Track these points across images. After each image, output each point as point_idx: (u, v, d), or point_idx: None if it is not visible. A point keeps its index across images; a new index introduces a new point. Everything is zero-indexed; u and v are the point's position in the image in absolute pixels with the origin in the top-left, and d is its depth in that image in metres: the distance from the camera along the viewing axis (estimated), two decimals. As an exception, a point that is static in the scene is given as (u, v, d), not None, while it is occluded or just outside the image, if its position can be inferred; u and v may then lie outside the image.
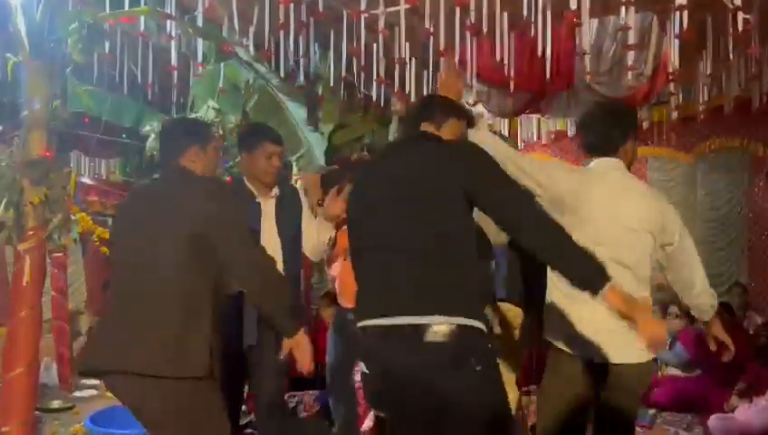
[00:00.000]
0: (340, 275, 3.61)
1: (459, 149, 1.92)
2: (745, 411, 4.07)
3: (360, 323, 1.82)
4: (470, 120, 2.16)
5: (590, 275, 1.73)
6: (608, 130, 2.34)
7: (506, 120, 5.90)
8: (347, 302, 3.45)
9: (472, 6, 3.41)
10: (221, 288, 2.12)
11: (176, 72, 4.00)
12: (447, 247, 1.77)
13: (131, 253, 2.10)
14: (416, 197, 1.80)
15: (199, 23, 3.50)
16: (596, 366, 2.21)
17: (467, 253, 1.81)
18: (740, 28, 3.48)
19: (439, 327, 1.65)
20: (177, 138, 2.29)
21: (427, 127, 2.00)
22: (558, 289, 2.26)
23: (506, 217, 1.78)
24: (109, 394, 2.10)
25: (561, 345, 2.29)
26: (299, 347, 2.12)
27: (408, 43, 3.84)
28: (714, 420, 4.08)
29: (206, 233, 2.01)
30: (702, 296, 2.41)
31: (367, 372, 1.80)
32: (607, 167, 2.32)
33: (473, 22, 3.63)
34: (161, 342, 1.95)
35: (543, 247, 1.75)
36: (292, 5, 3.48)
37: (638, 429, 2.36)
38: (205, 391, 2.01)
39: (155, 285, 2.01)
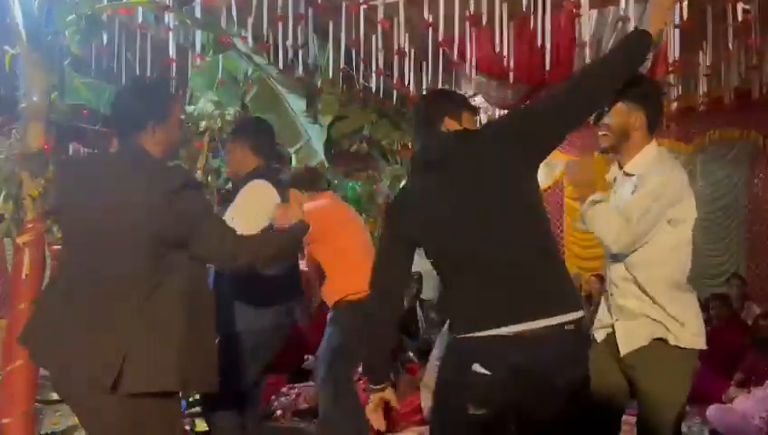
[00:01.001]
0: (328, 265, 3.57)
1: (493, 127, 2.02)
2: (744, 402, 4.09)
3: (481, 334, 1.79)
4: (475, 111, 2.12)
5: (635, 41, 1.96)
6: None
7: (506, 112, 5.89)
8: (343, 291, 3.41)
9: (471, -3, 3.41)
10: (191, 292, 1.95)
11: (174, 64, 3.99)
12: (541, 240, 1.86)
13: (85, 236, 1.93)
14: (492, 197, 1.83)
15: (197, 14, 3.49)
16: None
17: (553, 241, 1.92)
18: (740, 18, 3.47)
19: (569, 325, 1.77)
20: (133, 112, 2.03)
21: (450, 123, 1.97)
22: None
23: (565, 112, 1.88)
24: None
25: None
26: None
27: (407, 35, 3.83)
28: (712, 411, 4.11)
29: (176, 233, 1.87)
30: None
31: (488, 373, 1.78)
32: None
33: (472, 13, 3.62)
34: (111, 355, 1.79)
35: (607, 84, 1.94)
36: (290, -4, 3.47)
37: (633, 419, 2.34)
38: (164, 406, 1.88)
39: (109, 283, 1.86)
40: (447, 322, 2.11)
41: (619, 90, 2.05)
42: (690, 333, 2.18)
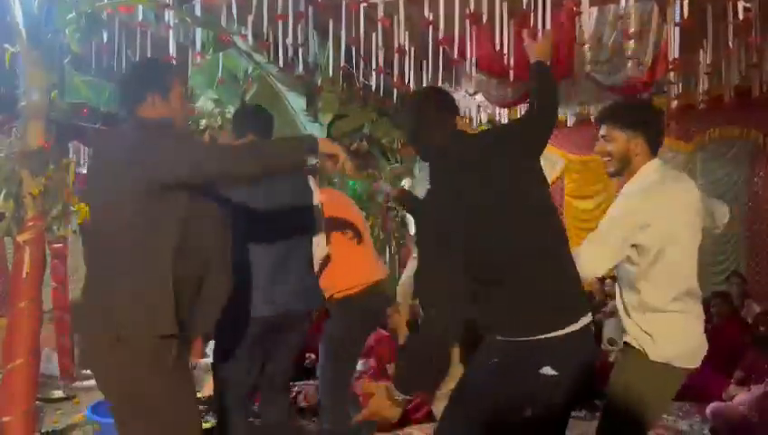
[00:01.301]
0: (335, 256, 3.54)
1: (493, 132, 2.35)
2: (744, 399, 4.09)
3: (538, 337, 1.86)
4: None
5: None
6: None
7: (506, 110, 5.89)
8: (334, 287, 3.39)
9: (471, -5, 3.41)
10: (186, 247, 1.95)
11: (174, 62, 3.99)
12: (564, 243, 2.01)
13: (93, 210, 2.01)
14: (526, 198, 1.94)
15: (197, 12, 3.49)
16: None
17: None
18: (740, 16, 3.47)
19: (590, 322, 1.94)
20: (133, 85, 2.07)
21: (459, 123, 2.05)
22: None
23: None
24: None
25: None
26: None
27: (407, 33, 3.83)
28: (712, 409, 4.11)
29: (172, 180, 1.87)
30: None
31: (556, 373, 1.86)
32: None
33: (472, 11, 3.62)
34: (119, 301, 1.88)
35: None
36: (290, -6, 3.47)
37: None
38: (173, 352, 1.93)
39: (111, 241, 1.92)
40: None
41: (618, 117, 2.30)
42: (660, 349, 2.18)
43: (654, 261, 2.17)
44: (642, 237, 2.15)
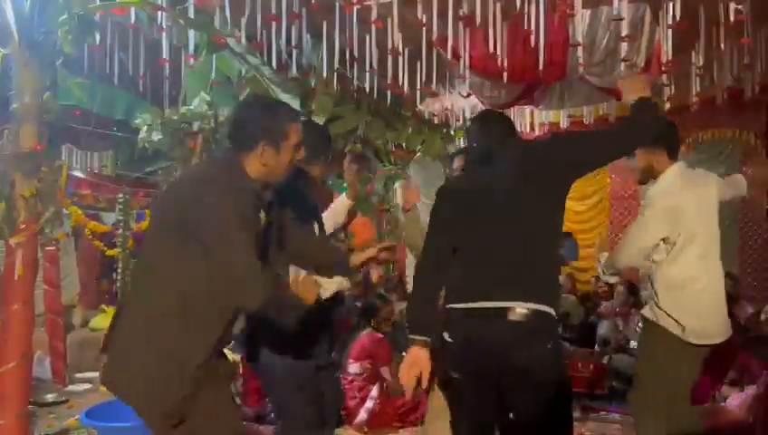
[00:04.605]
0: None
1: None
2: (737, 400, 4.10)
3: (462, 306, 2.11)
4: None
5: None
6: None
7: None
8: None
9: (465, -3, 3.41)
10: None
11: (167, 65, 3.98)
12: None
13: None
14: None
15: (191, 14, 3.48)
16: None
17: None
18: (732, 18, 3.49)
19: (520, 310, 2.03)
20: (246, 126, 1.90)
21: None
22: None
23: None
24: (103, 388, 2.05)
25: None
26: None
27: (401, 35, 3.83)
28: (705, 410, 4.11)
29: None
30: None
31: (451, 341, 2.14)
32: None
33: (466, 13, 3.62)
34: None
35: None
36: (284, -4, 3.46)
37: (629, 419, 2.39)
38: None
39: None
40: None
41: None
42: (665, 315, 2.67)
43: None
44: (669, 231, 2.63)
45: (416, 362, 2.13)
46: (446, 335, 2.14)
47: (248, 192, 1.88)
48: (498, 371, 2.05)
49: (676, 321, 2.68)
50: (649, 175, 2.79)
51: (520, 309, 2.00)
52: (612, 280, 2.74)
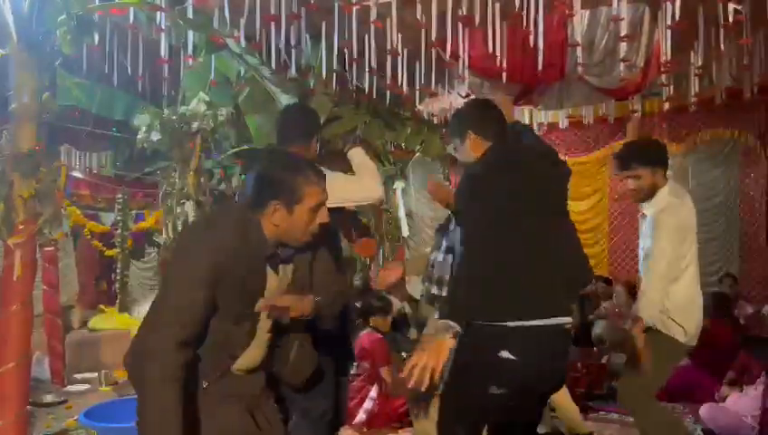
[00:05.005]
0: None
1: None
2: (736, 400, 4.11)
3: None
4: None
5: None
6: None
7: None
8: None
9: (464, -3, 3.41)
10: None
11: (166, 65, 3.97)
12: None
13: None
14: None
15: (189, 14, 3.48)
16: None
17: None
18: (731, 19, 3.49)
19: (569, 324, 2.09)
20: (258, 184, 1.76)
21: None
22: None
23: None
24: (101, 389, 2.05)
25: None
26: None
27: (399, 35, 3.82)
28: (705, 410, 4.12)
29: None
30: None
31: (514, 358, 1.98)
32: None
33: (465, 13, 3.62)
34: None
35: None
36: (283, -4, 3.46)
37: (629, 419, 2.40)
38: None
39: None
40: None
41: (643, 157, 2.85)
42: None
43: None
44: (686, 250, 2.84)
45: (442, 353, 1.90)
46: (504, 353, 1.97)
47: (253, 248, 1.73)
48: (550, 385, 2.17)
49: (682, 328, 2.78)
50: (651, 193, 2.88)
51: (568, 323, 2.08)
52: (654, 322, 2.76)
